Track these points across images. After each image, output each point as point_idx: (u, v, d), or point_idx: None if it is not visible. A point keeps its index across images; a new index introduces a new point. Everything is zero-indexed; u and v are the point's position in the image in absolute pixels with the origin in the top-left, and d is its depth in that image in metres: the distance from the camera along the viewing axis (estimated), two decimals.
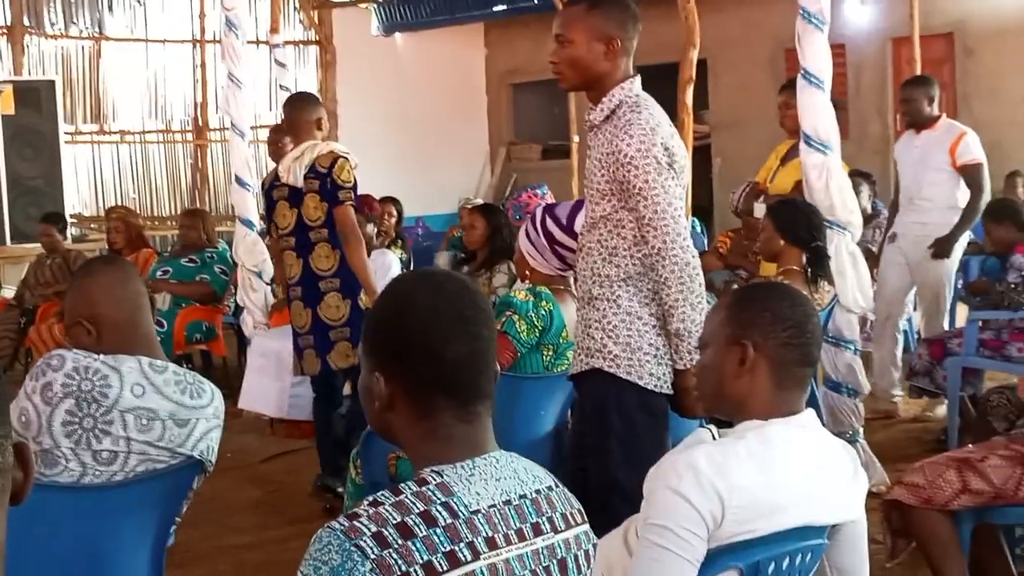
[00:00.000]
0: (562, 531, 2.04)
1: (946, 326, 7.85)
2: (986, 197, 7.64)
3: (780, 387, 2.72)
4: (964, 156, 7.61)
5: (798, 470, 2.65)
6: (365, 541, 1.83)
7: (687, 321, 3.74)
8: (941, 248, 7.59)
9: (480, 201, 9.90)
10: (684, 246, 3.74)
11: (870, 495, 5.17)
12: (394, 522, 1.85)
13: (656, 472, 2.64)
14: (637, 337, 3.82)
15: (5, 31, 13.23)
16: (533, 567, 1.97)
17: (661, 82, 6.82)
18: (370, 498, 1.91)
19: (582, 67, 3.89)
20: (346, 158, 6.22)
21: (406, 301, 2.08)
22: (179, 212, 11.81)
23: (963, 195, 7.65)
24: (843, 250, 6.00)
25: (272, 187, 6.43)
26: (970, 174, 7.62)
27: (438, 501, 1.91)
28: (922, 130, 7.73)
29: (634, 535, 2.85)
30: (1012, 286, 6.90)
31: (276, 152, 8.63)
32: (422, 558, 1.84)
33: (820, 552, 2.75)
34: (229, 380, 8.56)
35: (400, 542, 1.84)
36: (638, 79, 3.91)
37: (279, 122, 10.25)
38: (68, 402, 3.15)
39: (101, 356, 3.25)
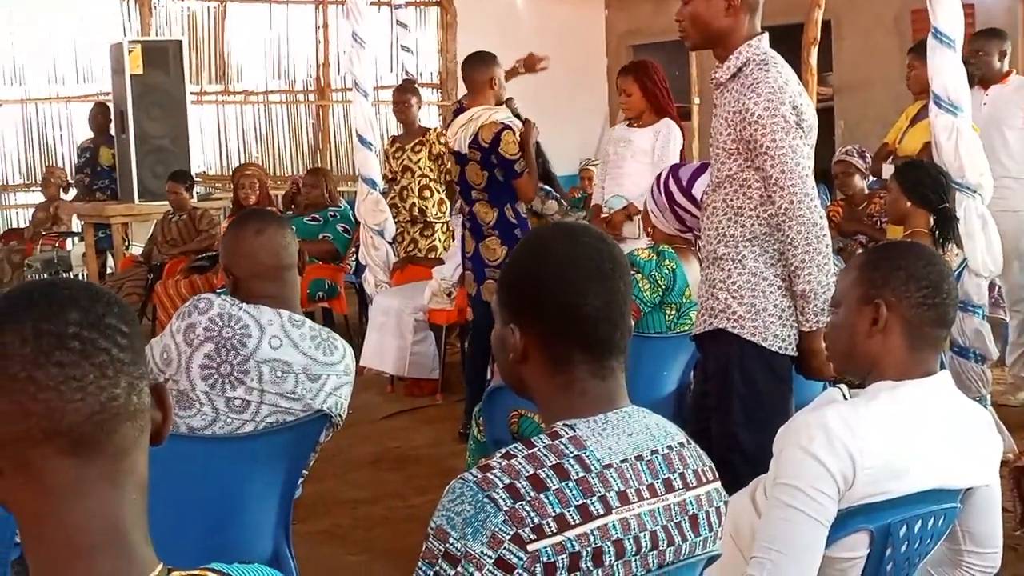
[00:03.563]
0: (694, 487, 2.03)
1: None
2: None
3: (913, 348, 2.67)
4: None
5: (932, 432, 2.61)
6: (498, 492, 1.84)
7: (813, 282, 3.69)
8: None
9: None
10: (811, 206, 3.68)
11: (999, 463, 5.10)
12: (527, 475, 1.86)
13: (787, 431, 2.61)
14: (762, 298, 3.79)
15: None
16: (665, 523, 1.97)
17: (785, 43, 6.70)
18: (503, 450, 1.92)
19: (703, 23, 3.85)
20: (509, 128, 6.50)
21: (543, 254, 2.08)
22: (302, 171, 11.91)
23: None
24: (973, 213, 5.87)
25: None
26: None
27: (570, 455, 1.91)
28: (990, 86, 7.23)
29: (762, 494, 2.84)
30: None
31: (402, 111, 8.73)
32: (554, 511, 1.84)
33: (953, 516, 2.70)
34: (350, 338, 8.54)
35: (533, 494, 1.84)
36: (766, 37, 3.85)
37: (402, 82, 10.33)
38: (208, 346, 3.23)
39: (245, 305, 3.33)
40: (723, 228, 3.85)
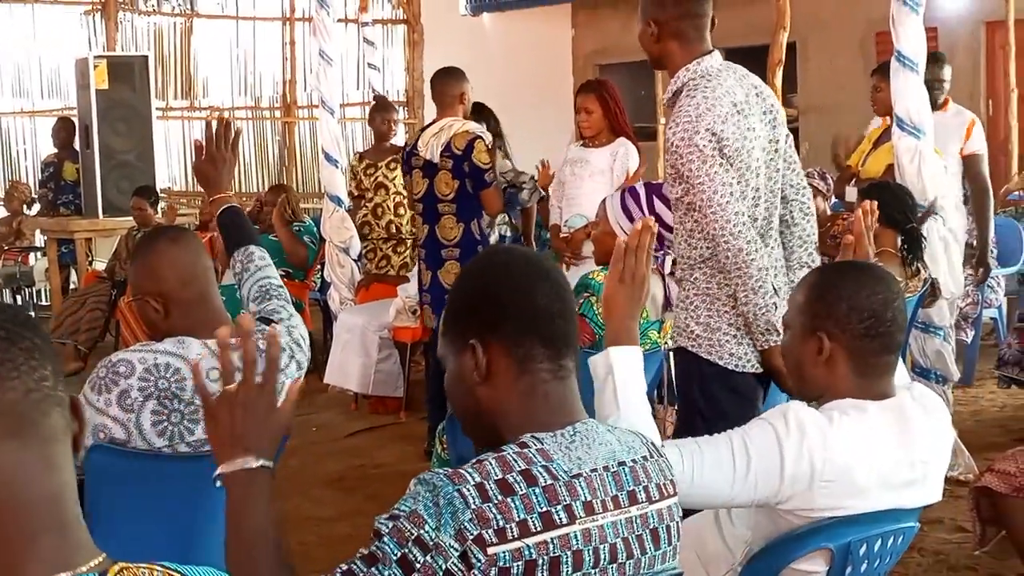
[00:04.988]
0: (656, 501, 2.05)
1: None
2: (990, 191, 7.17)
3: (861, 375, 2.69)
4: (972, 145, 7.14)
5: (894, 452, 2.63)
6: (468, 489, 1.86)
7: (750, 304, 3.72)
8: (986, 269, 7.19)
9: None
10: (735, 232, 3.68)
11: (959, 483, 5.13)
12: (496, 477, 1.89)
13: (776, 410, 2.65)
14: (716, 317, 3.82)
15: (100, 7, 13.39)
16: (626, 535, 1.98)
17: (751, 65, 6.74)
18: (472, 460, 1.94)
19: (644, 48, 3.96)
20: (480, 138, 6.57)
21: (486, 265, 2.21)
22: (266, 188, 11.90)
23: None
24: (935, 235, 5.92)
25: (411, 154, 6.80)
26: (974, 164, 7.14)
27: (539, 463, 1.94)
28: (933, 112, 6.95)
29: (725, 512, 2.85)
30: None
31: (389, 128, 8.73)
32: (519, 516, 1.86)
33: (911, 535, 2.72)
34: (315, 355, 8.58)
35: (500, 498, 1.87)
36: (708, 58, 3.83)
37: (379, 99, 10.34)
38: (151, 403, 3.06)
39: (165, 343, 3.16)
40: (681, 249, 3.90)
